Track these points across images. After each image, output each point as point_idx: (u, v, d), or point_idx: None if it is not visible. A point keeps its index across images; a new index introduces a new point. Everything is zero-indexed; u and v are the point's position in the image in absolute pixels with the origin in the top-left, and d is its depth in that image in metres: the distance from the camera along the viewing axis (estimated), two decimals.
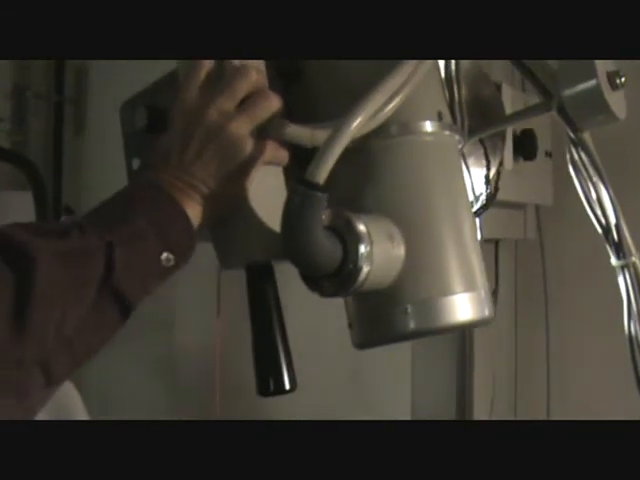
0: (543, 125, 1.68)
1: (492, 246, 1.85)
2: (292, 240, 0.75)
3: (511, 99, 1.49)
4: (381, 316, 0.84)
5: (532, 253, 2.01)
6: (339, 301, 0.87)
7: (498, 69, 1.47)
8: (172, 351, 2.43)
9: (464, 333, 1.80)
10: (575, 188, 0.96)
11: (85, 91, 2.68)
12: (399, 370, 1.88)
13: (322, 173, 0.73)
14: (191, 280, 2.25)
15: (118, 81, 2.52)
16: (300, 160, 0.85)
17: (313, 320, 1.79)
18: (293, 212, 0.74)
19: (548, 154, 1.74)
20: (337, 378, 2.01)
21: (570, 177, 0.96)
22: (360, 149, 0.82)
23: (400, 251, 0.81)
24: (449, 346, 1.84)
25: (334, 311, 0.89)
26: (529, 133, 1.59)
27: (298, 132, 0.83)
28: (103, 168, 2.58)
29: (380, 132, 0.82)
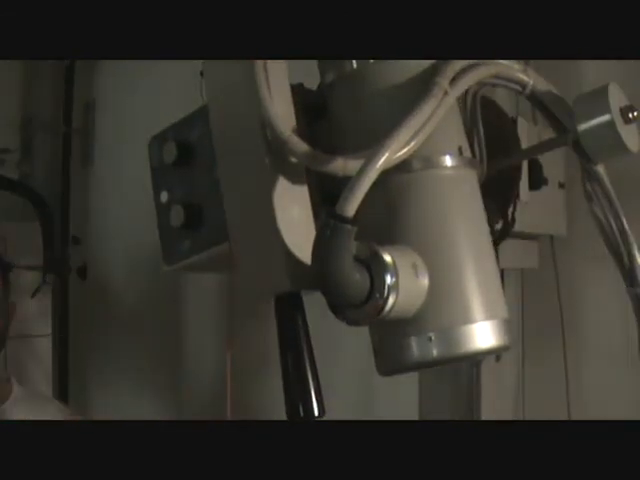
0: (556, 157, 1.71)
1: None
2: (322, 271, 0.78)
3: (527, 132, 1.52)
4: (405, 344, 0.86)
5: (539, 282, 2.02)
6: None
7: (512, 103, 1.50)
8: (181, 383, 2.44)
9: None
10: (588, 218, 0.99)
11: (92, 123, 2.71)
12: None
13: (352, 206, 0.76)
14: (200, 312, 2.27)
15: (125, 113, 2.56)
16: (325, 191, 0.88)
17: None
18: (323, 244, 0.77)
19: (561, 185, 1.77)
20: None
21: (582, 207, 0.99)
22: (383, 182, 0.84)
23: (424, 281, 0.84)
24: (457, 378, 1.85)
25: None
26: (534, 163, 1.62)
27: (331, 162, 0.85)
28: (110, 199, 2.61)
29: (403, 166, 0.85)
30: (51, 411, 2.08)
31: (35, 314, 2.36)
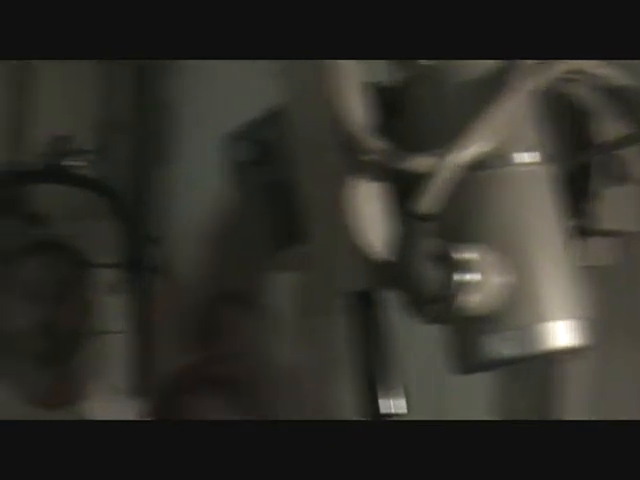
0: (636, 152, 1.67)
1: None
2: (400, 269, 0.78)
3: (605, 127, 1.49)
4: (481, 342, 0.86)
5: (621, 280, 1.99)
6: None
7: (591, 98, 1.47)
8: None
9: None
10: None
11: (168, 122, 2.74)
12: None
13: (429, 203, 0.77)
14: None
15: (200, 112, 2.59)
16: (401, 189, 0.88)
17: None
18: (401, 242, 0.77)
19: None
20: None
21: None
22: (460, 179, 0.84)
23: (502, 279, 0.84)
24: None
25: None
26: (614, 159, 1.58)
27: (407, 159, 0.85)
28: (186, 198, 2.63)
29: (480, 163, 0.84)
30: (128, 408, 2.12)
31: (112, 312, 2.40)
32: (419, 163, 0.84)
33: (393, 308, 0.87)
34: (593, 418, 1.94)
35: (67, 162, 2.37)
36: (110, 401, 2.05)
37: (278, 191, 1.00)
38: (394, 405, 0.85)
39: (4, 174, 2.09)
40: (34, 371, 1.94)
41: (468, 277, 0.80)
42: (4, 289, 1.96)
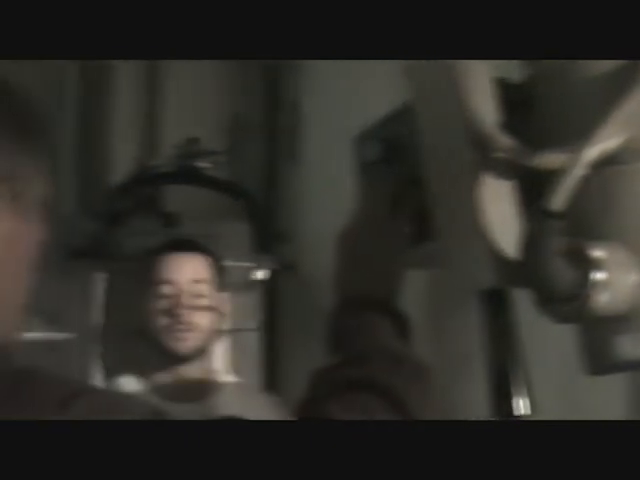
0: None
1: None
2: (531, 267, 0.77)
3: None
4: (615, 343, 0.84)
5: None
6: None
7: None
8: None
9: None
10: None
11: (296, 121, 2.76)
12: None
13: (561, 201, 0.75)
14: None
15: (327, 111, 2.60)
16: (531, 187, 0.87)
17: None
18: (532, 240, 0.76)
19: None
20: None
21: None
22: (593, 176, 0.82)
23: (635, 277, 0.82)
24: None
25: None
26: None
27: (537, 156, 0.84)
28: (318, 197, 2.65)
29: (613, 159, 0.82)
30: (261, 402, 2.15)
31: (246, 309, 2.44)
32: (550, 160, 0.82)
33: (524, 307, 0.86)
34: None
35: (198, 163, 2.42)
36: (243, 395, 2.08)
37: (407, 189, 1.01)
38: (520, 405, 0.84)
39: (138, 176, 2.15)
40: (169, 366, 1.99)
41: (602, 275, 0.78)
42: (141, 287, 2.02)
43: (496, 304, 0.88)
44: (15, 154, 0.83)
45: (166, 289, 1.99)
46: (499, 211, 0.87)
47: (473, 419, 0.90)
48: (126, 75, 2.78)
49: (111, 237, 2.10)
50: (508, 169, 0.89)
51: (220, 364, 2.29)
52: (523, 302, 0.85)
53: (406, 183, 1.00)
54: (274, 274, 2.27)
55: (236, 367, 2.32)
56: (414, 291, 2.09)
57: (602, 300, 0.78)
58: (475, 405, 0.98)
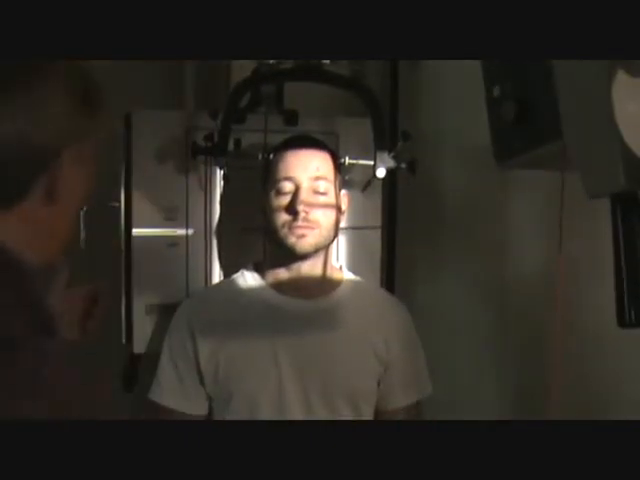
0: None
1: None
2: None
3: None
4: None
5: None
6: None
7: None
8: (503, 280, 2.43)
9: None
10: None
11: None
12: None
13: None
14: (530, 210, 2.23)
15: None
16: None
17: None
18: None
19: None
20: None
21: None
22: None
23: None
24: None
25: None
26: None
27: None
28: (442, 98, 2.61)
29: None
30: (377, 300, 2.16)
31: (366, 207, 2.44)
32: None
33: None
34: None
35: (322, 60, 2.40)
36: (360, 292, 2.10)
37: (534, 86, 0.97)
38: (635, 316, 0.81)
39: (262, 71, 2.14)
40: (288, 262, 2.01)
41: None
42: (262, 184, 2.04)
43: (627, 208, 0.84)
44: None
45: (286, 186, 2.00)
46: (630, 110, 0.83)
47: (600, 328, 0.88)
48: None
49: (232, 134, 2.10)
50: None
51: (339, 262, 2.30)
52: None
53: (534, 80, 0.96)
54: (395, 171, 2.24)
55: (355, 265, 2.33)
56: (540, 196, 2.04)
57: None
58: (605, 310, 0.95)
